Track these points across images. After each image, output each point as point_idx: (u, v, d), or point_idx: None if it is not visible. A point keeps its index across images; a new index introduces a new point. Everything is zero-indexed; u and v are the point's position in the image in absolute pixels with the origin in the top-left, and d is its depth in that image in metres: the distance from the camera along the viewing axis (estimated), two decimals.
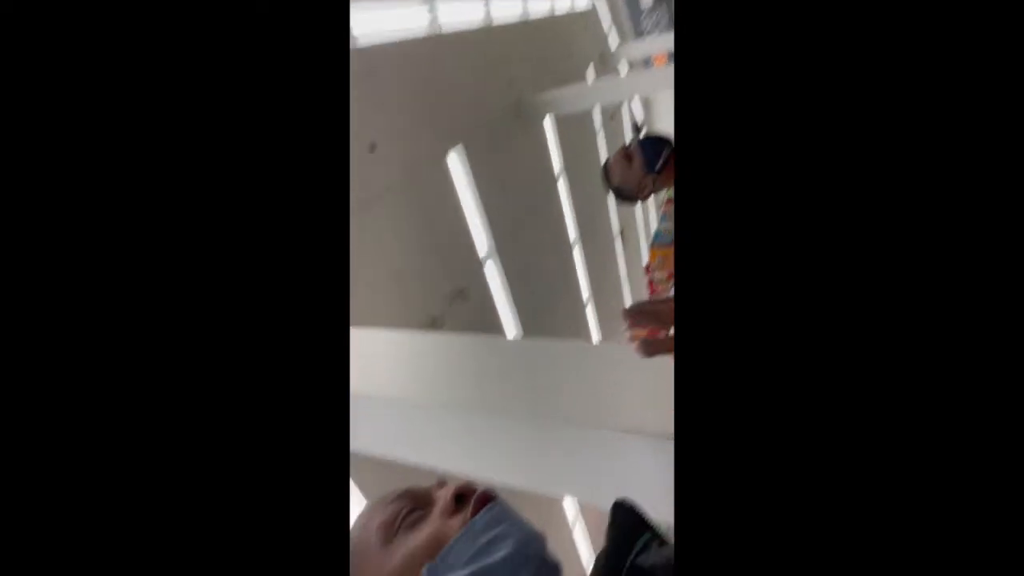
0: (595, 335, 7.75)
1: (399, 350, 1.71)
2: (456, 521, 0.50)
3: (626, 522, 0.50)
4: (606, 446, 1.22)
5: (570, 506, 6.55)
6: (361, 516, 0.55)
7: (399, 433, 1.64)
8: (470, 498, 0.52)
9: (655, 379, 1.24)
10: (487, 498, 0.52)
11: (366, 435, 1.66)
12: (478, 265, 4.85)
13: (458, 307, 4.34)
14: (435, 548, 0.48)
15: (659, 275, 1.52)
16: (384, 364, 1.65)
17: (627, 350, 1.28)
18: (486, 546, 0.47)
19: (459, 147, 4.60)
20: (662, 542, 0.49)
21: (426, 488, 0.56)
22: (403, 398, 1.50)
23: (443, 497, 0.53)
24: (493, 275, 5.07)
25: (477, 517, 0.50)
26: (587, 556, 6.82)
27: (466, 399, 1.43)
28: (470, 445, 1.51)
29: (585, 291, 7.50)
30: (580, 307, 7.37)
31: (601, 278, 8.00)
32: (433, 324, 3.98)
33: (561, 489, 1.63)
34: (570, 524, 6.61)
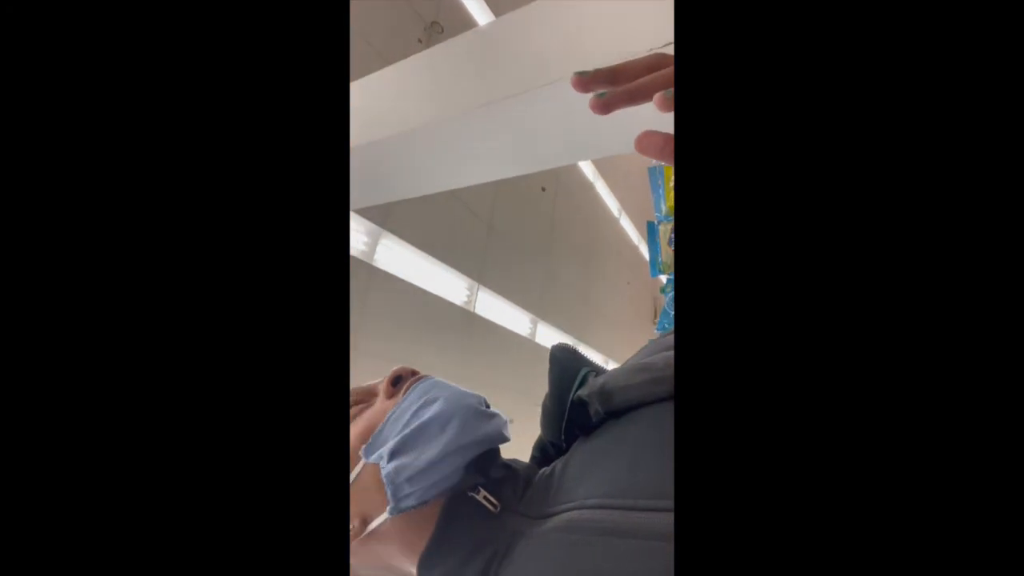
0: None
1: (390, 86, 1.67)
2: (392, 403, 0.52)
3: (565, 362, 0.50)
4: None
5: (611, 201, 6.96)
6: None
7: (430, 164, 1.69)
8: (408, 378, 0.54)
9: None
10: (420, 377, 0.54)
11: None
12: None
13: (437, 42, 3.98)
14: (371, 431, 0.49)
15: None
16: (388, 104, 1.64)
17: None
18: (416, 413, 0.49)
19: None
20: (598, 372, 0.49)
21: (370, 384, 0.57)
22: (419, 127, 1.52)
23: (382, 385, 0.54)
24: None
25: (407, 392, 0.52)
26: (636, 239, 7.47)
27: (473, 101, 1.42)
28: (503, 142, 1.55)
29: None
30: None
31: None
32: None
33: (592, 152, 1.69)
34: (616, 215, 7.11)
